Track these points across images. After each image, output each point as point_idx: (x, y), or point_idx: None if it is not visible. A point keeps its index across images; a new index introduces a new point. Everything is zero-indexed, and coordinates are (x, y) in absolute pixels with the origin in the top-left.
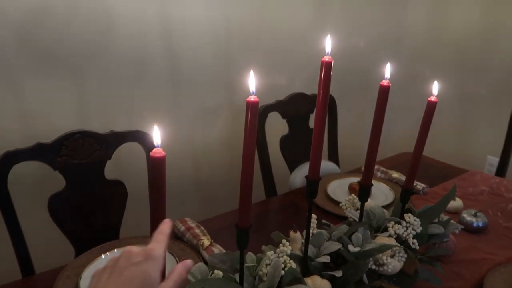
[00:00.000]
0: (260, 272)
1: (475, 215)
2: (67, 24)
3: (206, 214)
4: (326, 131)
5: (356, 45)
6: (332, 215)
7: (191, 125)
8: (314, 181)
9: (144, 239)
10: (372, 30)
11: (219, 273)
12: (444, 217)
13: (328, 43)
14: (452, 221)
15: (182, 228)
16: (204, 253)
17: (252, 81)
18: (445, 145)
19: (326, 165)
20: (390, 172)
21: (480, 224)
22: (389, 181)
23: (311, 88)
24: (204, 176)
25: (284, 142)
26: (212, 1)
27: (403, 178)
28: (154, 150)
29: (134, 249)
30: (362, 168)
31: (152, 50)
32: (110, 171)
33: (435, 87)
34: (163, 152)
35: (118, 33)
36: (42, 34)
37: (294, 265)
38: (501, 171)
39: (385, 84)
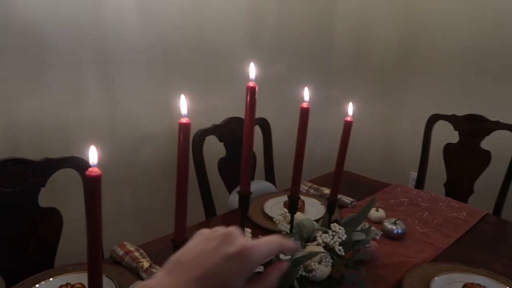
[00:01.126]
0: None
1: (395, 223)
2: None
3: (146, 238)
4: (262, 152)
5: (287, 68)
6: (269, 231)
7: (129, 150)
8: (245, 196)
9: (81, 266)
10: (304, 52)
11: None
12: (366, 224)
13: (252, 70)
14: (372, 228)
15: (121, 252)
16: (144, 275)
17: (183, 104)
18: (373, 164)
19: (263, 185)
20: (322, 188)
21: (399, 231)
22: (321, 197)
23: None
24: (144, 201)
25: (222, 165)
26: (148, 24)
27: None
28: (90, 169)
29: (236, 233)
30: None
31: (88, 75)
32: (45, 198)
33: (350, 108)
34: (98, 170)
35: (52, 56)
36: None
37: None
38: (419, 184)
39: (305, 106)
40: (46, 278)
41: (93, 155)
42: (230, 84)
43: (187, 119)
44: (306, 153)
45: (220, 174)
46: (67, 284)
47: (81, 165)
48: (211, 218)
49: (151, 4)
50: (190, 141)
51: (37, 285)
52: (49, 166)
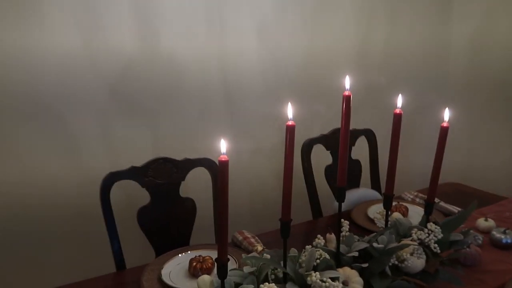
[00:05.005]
0: (300, 260)
1: (504, 233)
2: (146, 75)
3: (258, 231)
4: (367, 161)
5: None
6: (370, 231)
7: (248, 158)
8: (342, 188)
9: (210, 246)
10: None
11: (267, 255)
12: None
13: (347, 81)
14: (472, 231)
15: (240, 237)
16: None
17: (290, 110)
18: (494, 179)
19: (369, 193)
20: None
21: (509, 241)
22: None
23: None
24: (258, 204)
25: (328, 171)
26: (262, 46)
27: (441, 204)
28: (221, 156)
29: None
30: (403, 195)
31: (213, 93)
32: (184, 190)
33: (446, 114)
34: (227, 157)
35: (185, 81)
36: (127, 83)
37: (327, 256)
38: None
39: (397, 112)
40: (184, 251)
41: (223, 146)
42: (336, 97)
43: (292, 122)
44: (417, 163)
45: (326, 179)
46: (199, 256)
47: (210, 165)
48: (317, 218)
49: (269, 41)
50: (294, 141)
51: (179, 255)
52: (188, 165)
